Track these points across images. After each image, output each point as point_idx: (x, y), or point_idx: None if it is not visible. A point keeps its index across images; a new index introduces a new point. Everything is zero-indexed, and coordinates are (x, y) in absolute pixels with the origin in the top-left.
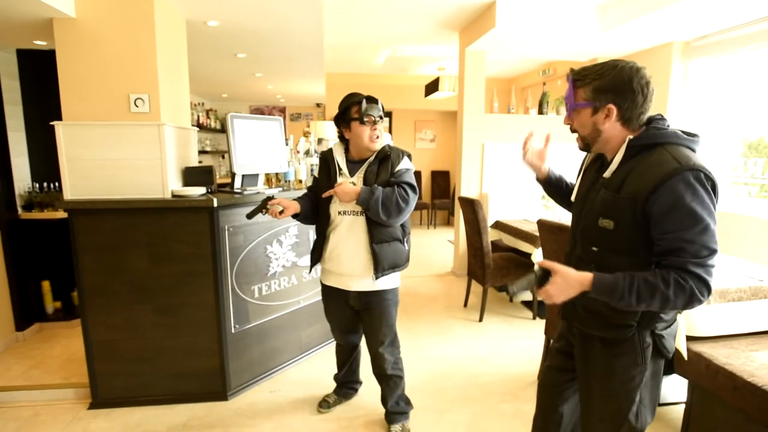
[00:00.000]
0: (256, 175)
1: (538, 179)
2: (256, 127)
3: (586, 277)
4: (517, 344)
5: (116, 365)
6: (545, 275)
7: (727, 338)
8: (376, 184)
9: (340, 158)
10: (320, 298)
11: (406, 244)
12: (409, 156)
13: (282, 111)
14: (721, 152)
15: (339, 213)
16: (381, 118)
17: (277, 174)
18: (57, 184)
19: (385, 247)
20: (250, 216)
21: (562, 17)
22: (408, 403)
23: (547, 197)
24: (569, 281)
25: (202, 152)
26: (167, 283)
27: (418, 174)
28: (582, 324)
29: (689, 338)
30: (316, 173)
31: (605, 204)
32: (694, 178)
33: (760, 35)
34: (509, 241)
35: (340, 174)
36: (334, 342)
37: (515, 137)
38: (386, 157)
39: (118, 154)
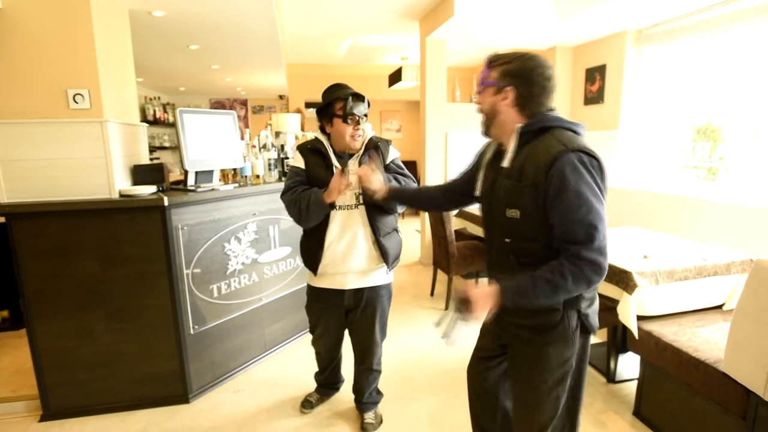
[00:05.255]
0: (211, 172)
1: (384, 200)
2: (207, 121)
3: (495, 289)
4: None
5: (68, 374)
6: (464, 302)
7: (675, 316)
8: None
9: (330, 152)
10: (284, 294)
11: (399, 232)
12: (391, 143)
13: (243, 104)
14: (673, 137)
15: (337, 208)
16: (365, 116)
17: (235, 170)
18: None
19: (389, 239)
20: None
21: (519, 6)
22: (380, 392)
23: None
24: (483, 299)
25: (160, 148)
26: (119, 287)
27: None
28: (511, 316)
29: (640, 317)
30: (300, 165)
31: (509, 194)
32: (578, 159)
33: (707, 23)
34: (473, 229)
35: (335, 167)
36: (299, 338)
37: (478, 126)
38: (375, 148)
39: (59, 154)
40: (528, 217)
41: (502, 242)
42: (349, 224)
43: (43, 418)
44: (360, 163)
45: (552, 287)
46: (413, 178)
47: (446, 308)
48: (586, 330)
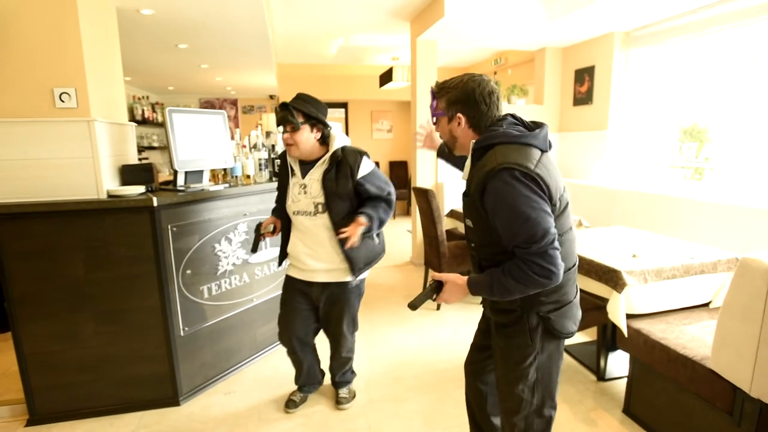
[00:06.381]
0: (201, 172)
1: (437, 155)
2: (197, 121)
3: (464, 279)
4: (474, 330)
5: (55, 377)
6: (439, 285)
7: (663, 314)
8: (338, 192)
9: (291, 159)
10: (275, 294)
11: (377, 237)
12: (367, 155)
13: (234, 104)
14: (660, 137)
15: (294, 213)
16: (292, 123)
17: (225, 170)
18: None
19: (356, 247)
20: (254, 250)
21: (509, 7)
22: (353, 372)
23: None
24: (455, 286)
25: (148, 148)
26: (108, 289)
27: (376, 165)
28: (486, 309)
29: (629, 316)
30: (278, 169)
31: (464, 205)
32: (509, 175)
33: (692, 26)
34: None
35: (293, 175)
36: None
37: None
38: (342, 162)
39: (45, 154)
40: (478, 227)
41: (470, 247)
42: (310, 228)
43: (30, 422)
44: (325, 175)
45: (502, 284)
46: (389, 193)
47: (438, 309)
48: (552, 334)
